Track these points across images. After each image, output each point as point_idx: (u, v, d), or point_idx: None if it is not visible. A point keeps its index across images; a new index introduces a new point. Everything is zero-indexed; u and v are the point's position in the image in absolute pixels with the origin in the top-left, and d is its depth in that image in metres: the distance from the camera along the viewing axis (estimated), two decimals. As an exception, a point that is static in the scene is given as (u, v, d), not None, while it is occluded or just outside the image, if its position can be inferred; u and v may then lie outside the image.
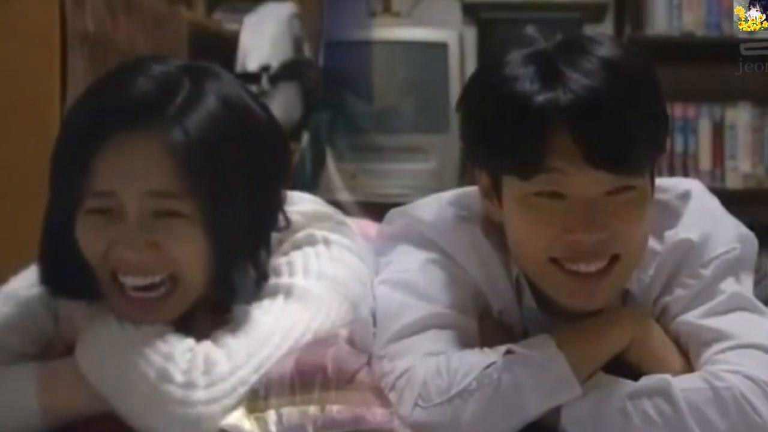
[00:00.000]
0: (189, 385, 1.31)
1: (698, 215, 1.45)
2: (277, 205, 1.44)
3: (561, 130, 1.32)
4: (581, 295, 1.39)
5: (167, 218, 1.34)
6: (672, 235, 1.43)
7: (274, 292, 1.41)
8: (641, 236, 1.39)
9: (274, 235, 1.46)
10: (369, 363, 1.39)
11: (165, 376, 1.31)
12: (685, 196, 1.46)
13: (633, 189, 1.35)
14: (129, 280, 1.36)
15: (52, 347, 1.46)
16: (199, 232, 1.35)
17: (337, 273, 1.45)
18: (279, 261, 1.45)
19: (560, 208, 1.35)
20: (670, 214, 1.44)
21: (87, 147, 1.34)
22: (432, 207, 1.52)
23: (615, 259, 1.37)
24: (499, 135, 1.36)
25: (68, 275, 1.39)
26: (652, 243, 1.43)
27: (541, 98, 1.32)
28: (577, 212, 1.34)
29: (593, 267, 1.36)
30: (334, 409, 1.30)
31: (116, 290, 1.37)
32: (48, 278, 1.42)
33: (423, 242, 1.50)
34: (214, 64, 1.46)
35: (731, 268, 1.43)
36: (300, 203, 1.51)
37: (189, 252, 1.36)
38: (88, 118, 1.36)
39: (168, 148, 1.33)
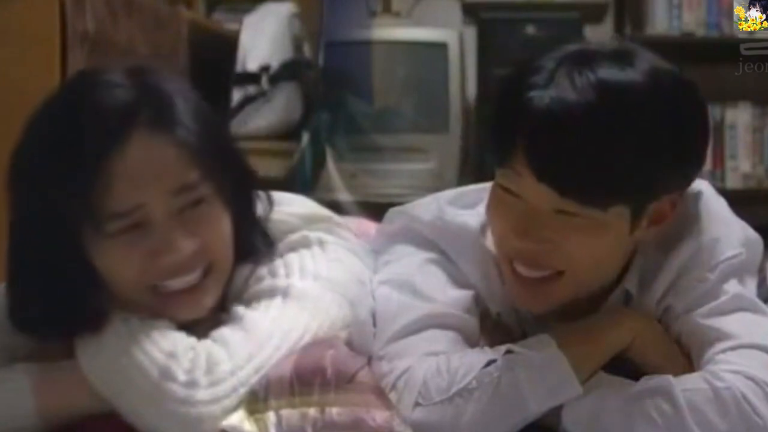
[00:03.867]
0: (191, 384, 1.31)
1: (707, 218, 1.43)
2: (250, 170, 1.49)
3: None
4: (524, 296, 1.40)
5: (194, 207, 1.36)
6: (680, 237, 1.42)
7: (271, 293, 1.41)
8: (591, 261, 1.36)
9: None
10: (369, 364, 1.39)
11: (167, 375, 1.31)
12: (695, 197, 1.44)
13: (583, 217, 1.32)
14: (175, 283, 1.37)
15: (49, 348, 1.46)
16: (221, 209, 1.39)
17: (333, 274, 1.45)
18: (275, 263, 1.45)
19: (515, 208, 1.35)
20: (679, 215, 1.43)
21: (90, 172, 1.32)
22: (431, 207, 1.52)
23: (560, 273, 1.36)
24: (494, 113, 1.37)
25: (52, 310, 1.37)
26: (659, 244, 1.42)
27: (528, 95, 1.31)
28: (522, 218, 1.34)
29: (530, 273, 1.37)
30: (334, 411, 1.30)
31: (153, 297, 1.37)
32: (28, 314, 1.39)
33: (422, 242, 1.50)
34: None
35: (736, 271, 1.42)
36: (292, 204, 1.52)
37: (220, 231, 1.39)
38: (77, 143, 1.33)
39: (175, 143, 1.35)
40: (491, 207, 1.40)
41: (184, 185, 1.35)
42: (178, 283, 1.37)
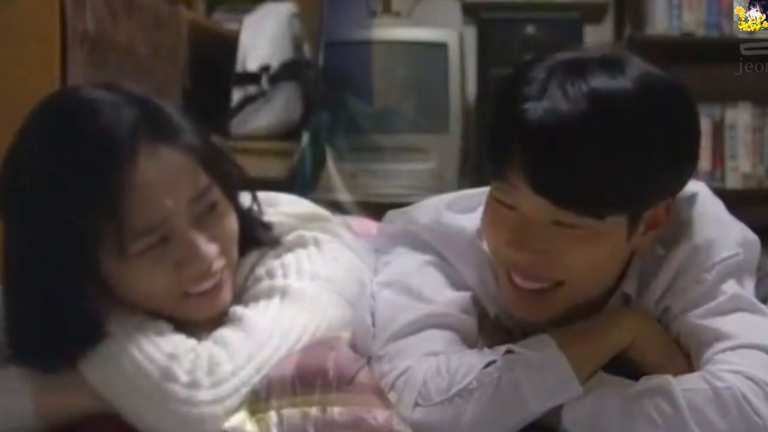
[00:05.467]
0: (193, 384, 1.31)
1: (703, 220, 1.43)
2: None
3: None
4: (522, 306, 1.39)
5: (210, 212, 1.38)
6: (676, 239, 1.42)
7: (269, 294, 1.42)
8: (590, 270, 1.36)
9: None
10: (369, 363, 1.39)
11: (169, 376, 1.31)
12: (691, 199, 1.44)
13: (580, 227, 1.32)
14: (204, 285, 1.38)
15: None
16: (230, 209, 1.41)
17: (330, 273, 1.45)
18: (273, 264, 1.45)
19: (510, 220, 1.35)
20: (676, 218, 1.43)
21: (107, 199, 1.31)
22: (429, 210, 1.52)
23: (559, 284, 1.36)
24: (489, 127, 1.37)
25: (52, 332, 1.35)
26: (656, 247, 1.42)
27: (522, 107, 1.30)
28: (518, 229, 1.34)
29: (528, 285, 1.37)
30: (335, 411, 1.30)
31: (182, 301, 1.38)
32: (26, 340, 1.37)
33: (420, 245, 1.50)
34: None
35: (733, 272, 1.42)
36: (284, 205, 1.52)
37: (232, 231, 1.41)
38: (86, 175, 1.32)
39: (180, 150, 1.36)
40: (487, 219, 1.40)
41: (199, 192, 1.37)
42: (206, 285, 1.39)
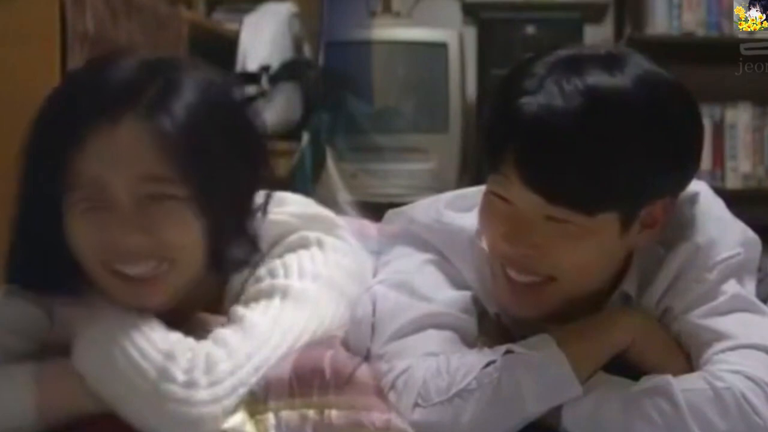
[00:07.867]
0: (190, 384, 1.30)
1: (705, 219, 1.43)
2: (257, 182, 1.46)
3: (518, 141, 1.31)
4: (514, 300, 1.39)
5: (162, 201, 1.35)
6: (678, 239, 1.43)
7: (270, 294, 1.41)
8: (581, 267, 1.36)
9: (268, 236, 1.46)
10: (367, 360, 1.39)
11: (166, 375, 1.31)
12: (693, 199, 1.44)
13: (572, 223, 1.32)
14: (127, 269, 1.36)
15: (47, 348, 1.46)
16: (193, 213, 1.35)
17: (332, 274, 1.45)
18: (274, 263, 1.45)
19: (505, 213, 1.35)
20: (677, 217, 1.43)
21: (70, 141, 1.34)
22: (429, 209, 1.52)
23: (552, 278, 1.36)
24: (487, 119, 1.37)
25: (45, 271, 1.40)
26: (657, 246, 1.43)
27: (519, 102, 1.31)
28: (512, 223, 1.35)
29: (522, 278, 1.37)
30: (333, 414, 1.30)
31: (111, 278, 1.37)
32: (21, 275, 1.43)
33: (420, 244, 1.50)
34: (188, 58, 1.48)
35: (734, 272, 1.42)
36: (290, 205, 1.51)
37: (183, 233, 1.36)
38: (68, 111, 1.36)
39: (155, 133, 1.33)
40: (482, 213, 1.40)
41: (151, 175, 1.34)
42: (130, 270, 1.36)
